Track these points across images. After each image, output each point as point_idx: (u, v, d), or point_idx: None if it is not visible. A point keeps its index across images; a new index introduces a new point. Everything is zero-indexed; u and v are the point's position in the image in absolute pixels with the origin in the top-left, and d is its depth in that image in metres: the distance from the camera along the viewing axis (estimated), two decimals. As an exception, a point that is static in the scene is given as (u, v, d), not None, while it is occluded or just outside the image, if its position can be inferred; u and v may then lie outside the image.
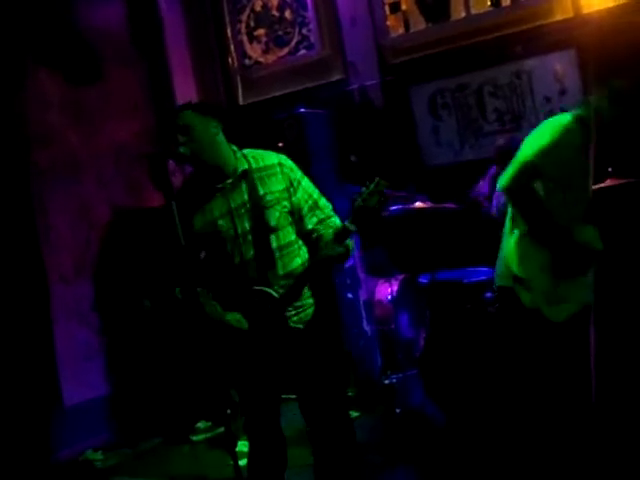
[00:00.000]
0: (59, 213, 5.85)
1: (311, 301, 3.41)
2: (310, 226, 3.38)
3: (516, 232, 3.52)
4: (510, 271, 3.53)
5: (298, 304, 3.33)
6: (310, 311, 3.39)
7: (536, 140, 3.43)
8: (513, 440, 4.03)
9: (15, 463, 5.08)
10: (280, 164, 3.38)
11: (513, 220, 3.58)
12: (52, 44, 5.86)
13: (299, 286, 3.30)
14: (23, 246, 5.63)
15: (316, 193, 3.44)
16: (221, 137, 3.33)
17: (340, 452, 3.39)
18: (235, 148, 3.39)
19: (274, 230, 3.30)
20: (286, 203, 3.33)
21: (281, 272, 3.30)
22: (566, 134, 3.36)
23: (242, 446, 3.90)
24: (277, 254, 3.30)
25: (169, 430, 5.68)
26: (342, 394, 3.52)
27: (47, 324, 5.66)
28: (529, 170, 3.39)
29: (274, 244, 3.30)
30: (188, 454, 5.35)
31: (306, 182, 3.43)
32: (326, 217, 3.41)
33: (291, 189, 3.35)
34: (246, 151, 3.41)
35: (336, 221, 3.40)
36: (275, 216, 3.30)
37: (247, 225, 3.29)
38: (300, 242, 3.40)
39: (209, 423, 5.63)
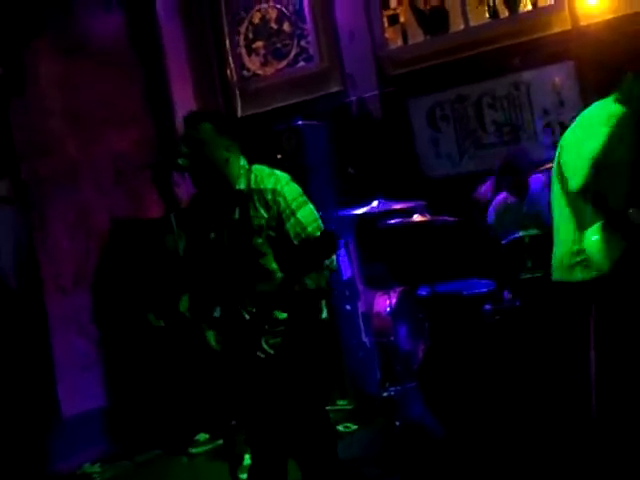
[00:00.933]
0: (58, 222, 5.84)
1: (284, 327, 3.24)
2: None
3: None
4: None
5: (271, 329, 3.21)
6: (282, 336, 3.24)
7: (595, 132, 3.27)
8: (513, 452, 4.03)
9: (12, 475, 5.05)
10: (274, 191, 3.23)
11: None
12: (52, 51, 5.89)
13: (269, 310, 3.18)
14: (20, 255, 5.62)
15: (313, 226, 3.24)
16: (231, 157, 3.27)
17: (323, 473, 3.37)
18: (243, 162, 3.34)
19: (257, 255, 3.24)
20: (271, 232, 3.24)
21: (258, 296, 3.18)
22: (617, 119, 3.24)
23: (249, 460, 3.88)
24: (257, 278, 3.23)
25: (168, 442, 5.65)
26: (318, 418, 3.38)
27: (45, 334, 5.64)
28: (600, 164, 3.21)
29: (255, 269, 3.24)
30: (187, 466, 5.32)
31: (303, 213, 3.25)
32: None
33: (282, 217, 3.22)
34: (254, 167, 3.35)
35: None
36: (258, 242, 3.24)
37: (232, 244, 3.27)
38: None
39: (208, 435, 5.61)
